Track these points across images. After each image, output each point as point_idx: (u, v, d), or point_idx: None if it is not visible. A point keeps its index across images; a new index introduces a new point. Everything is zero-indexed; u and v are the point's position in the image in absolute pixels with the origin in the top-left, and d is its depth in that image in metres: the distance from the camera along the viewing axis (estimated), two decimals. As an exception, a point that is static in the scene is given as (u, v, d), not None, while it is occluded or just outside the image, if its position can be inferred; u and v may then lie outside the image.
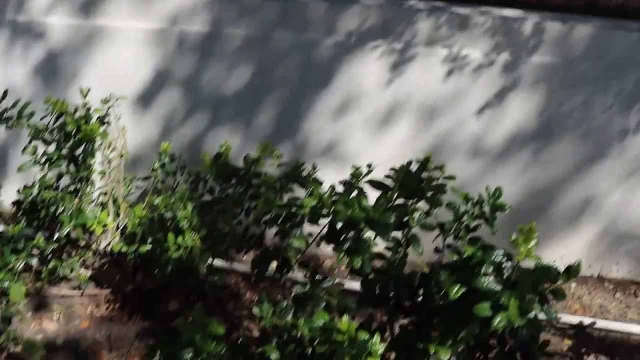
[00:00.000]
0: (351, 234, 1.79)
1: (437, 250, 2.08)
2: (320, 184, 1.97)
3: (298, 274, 2.26)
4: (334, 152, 3.20)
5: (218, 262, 2.92)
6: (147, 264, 2.97)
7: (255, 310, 1.80)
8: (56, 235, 2.68)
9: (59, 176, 2.70)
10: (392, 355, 1.89)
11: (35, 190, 2.78)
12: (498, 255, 1.62)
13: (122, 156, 2.86)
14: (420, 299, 1.89)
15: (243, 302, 3.02)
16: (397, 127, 3.18)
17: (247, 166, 2.22)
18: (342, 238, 1.79)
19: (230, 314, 2.99)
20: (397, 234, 2.01)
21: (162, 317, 2.96)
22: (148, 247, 2.47)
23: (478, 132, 3.18)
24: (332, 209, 1.78)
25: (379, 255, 1.94)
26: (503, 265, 1.58)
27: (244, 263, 3.29)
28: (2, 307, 2.57)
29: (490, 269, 1.57)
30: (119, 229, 2.90)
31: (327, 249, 2.26)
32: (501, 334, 1.85)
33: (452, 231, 2.04)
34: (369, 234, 1.81)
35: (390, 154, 2.90)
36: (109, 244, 2.95)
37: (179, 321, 1.75)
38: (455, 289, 1.58)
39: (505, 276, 1.56)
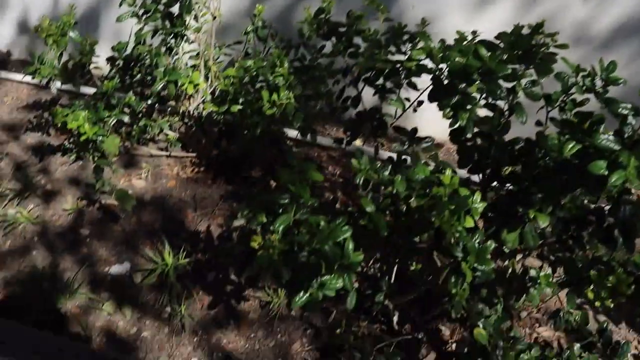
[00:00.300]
0: (460, 86, 1.72)
1: (538, 123, 2.00)
2: (429, 38, 1.88)
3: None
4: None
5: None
6: (233, 131, 2.99)
7: (354, 162, 1.77)
8: (149, 92, 2.70)
9: (155, 32, 2.69)
10: (482, 224, 1.86)
11: (129, 48, 2.79)
12: (624, 108, 1.52)
13: (214, 18, 2.83)
14: (520, 166, 1.83)
15: (325, 175, 3.02)
16: (495, 9, 3.03)
17: (350, 21, 2.14)
18: (448, 92, 1.73)
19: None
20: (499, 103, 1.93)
21: (245, 183, 3.00)
22: (239, 107, 2.47)
23: (583, 18, 3.00)
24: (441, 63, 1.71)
25: (482, 121, 1.87)
26: (628, 121, 1.49)
27: (328, 137, 3.29)
28: (97, 157, 2.65)
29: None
30: (210, 92, 2.91)
31: (422, 116, 2.22)
32: (599, 211, 1.80)
33: (558, 103, 1.94)
34: (475, 93, 1.75)
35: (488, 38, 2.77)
36: (198, 106, 2.97)
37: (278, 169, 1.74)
38: (570, 145, 1.51)
39: (625, 136, 1.47)
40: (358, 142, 3.13)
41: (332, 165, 3.11)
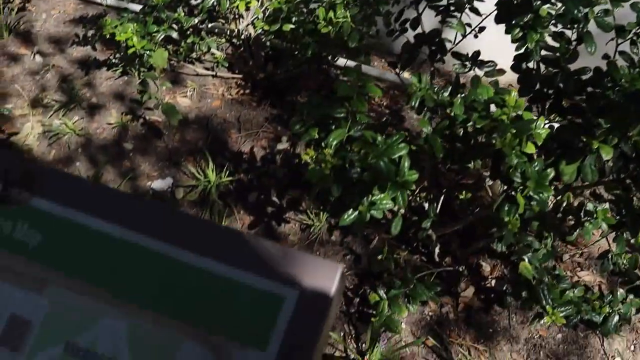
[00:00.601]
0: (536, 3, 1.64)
1: (606, 56, 1.91)
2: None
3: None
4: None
5: (352, 63, 2.86)
6: (281, 54, 2.94)
7: (414, 80, 1.71)
8: (200, 5, 2.65)
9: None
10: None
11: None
12: None
13: None
14: (585, 97, 1.76)
15: (371, 106, 2.97)
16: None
17: None
18: (521, 10, 1.65)
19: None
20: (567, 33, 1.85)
21: (290, 108, 2.96)
22: (292, 26, 2.41)
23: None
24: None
25: (549, 47, 1.79)
26: None
27: (375, 69, 3.21)
28: (143, 72, 2.62)
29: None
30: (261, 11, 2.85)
31: (481, 45, 2.13)
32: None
33: (630, 35, 1.85)
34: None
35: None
36: (247, 26, 2.91)
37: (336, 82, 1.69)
38: (647, 72, 1.44)
39: None
40: (407, 75, 3.06)
41: (380, 97, 3.04)
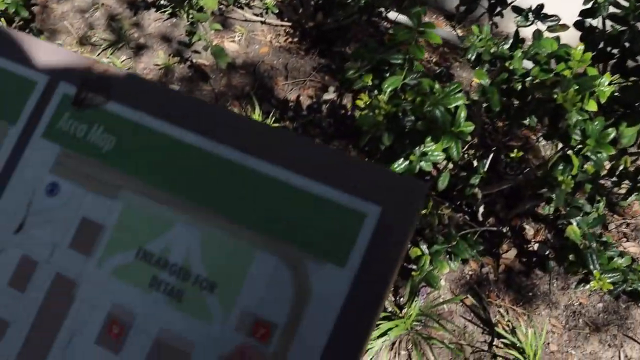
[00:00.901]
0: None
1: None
2: None
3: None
4: None
5: (402, 18, 2.80)
6: (331, 3, 2.88)
7: (475, 29, 1.66)
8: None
9: None
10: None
11: None
12: None
13: None
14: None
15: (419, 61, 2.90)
16: None
17: None
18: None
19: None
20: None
21: (339, 58, 2.92)
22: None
23: None
24: None
25: (616, 4, 1.71)
26: None
27: (427, 23, 3.13)
28: (193, 13, 2.59)
29: None
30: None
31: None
32: None
33: None
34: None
35: None
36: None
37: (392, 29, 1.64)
38: None
39: None
40: (459, 32, 2.98)
41: (429, 53, 2.97)
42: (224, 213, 0.50)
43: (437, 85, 1.50)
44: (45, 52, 0.60)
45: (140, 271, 0.51)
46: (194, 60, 2.91)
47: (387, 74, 1.68)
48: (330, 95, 2.75)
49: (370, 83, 1.71)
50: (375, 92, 1.71)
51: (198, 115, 0.54)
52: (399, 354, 2.11)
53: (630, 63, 1.75)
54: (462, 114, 1.49)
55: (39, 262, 0.53)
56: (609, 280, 1.79)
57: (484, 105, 1.78)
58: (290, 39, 3.03)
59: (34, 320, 0.53)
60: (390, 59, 1.62)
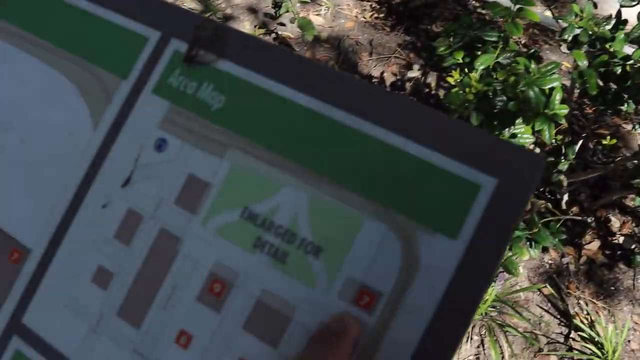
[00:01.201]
0: None
1: None
2: None
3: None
4: None
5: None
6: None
7: (575, 7, 1.59)
8: None
9: None
10: None
11: None
12: None
13: None
14: None
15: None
16: None
17: None
18: None
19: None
20: None
21: (424, 36, 2.86)
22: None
23: None
24: None
25: None
26: None
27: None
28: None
29: None
30: None
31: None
32: None
33: None
34: None
35: None
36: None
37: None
38: None
39: None
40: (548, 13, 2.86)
41: (527, 39, 2.88)
42: (333, 177, 0.49)
43: (532, 65, 1.45)
44: (157, 8, 0.60)
45: (245, 231, 0.51)
46: (279, 33, 2.92)
47: (479, 52, 1.63)
48: (414, 73, 2.70)
49: (460, 60, 1.67)
50: (465, 69, 1.67)
51: (312, 77, 0.53)
52: (471, 339, 2.08)
53: None
54: (558, 96, 1.43)
55: (144, 217, 0.54)
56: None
57: (576, 89, 1.71)
58: (375, 15, 2.99)
59: (137, 273, 0.54)
60: (485, 36, 1.57)
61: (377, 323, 0.46)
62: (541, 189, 2.33)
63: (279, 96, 0.52)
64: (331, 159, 0.49)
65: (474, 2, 2.97)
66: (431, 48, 2.80)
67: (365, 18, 2.98)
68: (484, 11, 2.99)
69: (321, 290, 0.48)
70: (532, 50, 1.85)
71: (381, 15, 2.99)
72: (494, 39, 1.57)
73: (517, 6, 1.51)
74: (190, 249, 0.52)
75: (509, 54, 1.57)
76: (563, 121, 1.43)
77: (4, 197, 0.62)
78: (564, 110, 1.44)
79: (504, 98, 1.50)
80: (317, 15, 2.99)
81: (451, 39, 1.68)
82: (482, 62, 1.54)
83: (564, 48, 2.88)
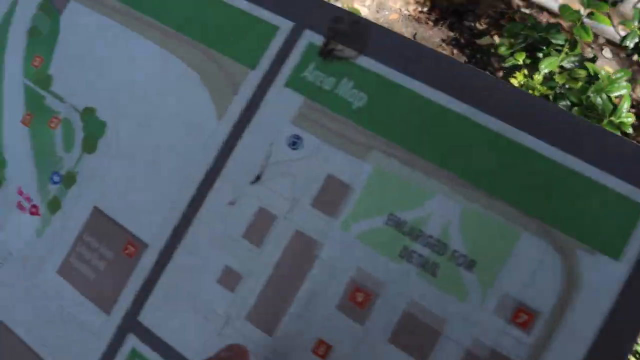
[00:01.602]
0: None
1: None
2: None
3: None
4: None
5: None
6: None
7: (636, 12, 1.55)
8: None
9: None
10: None
11: None
12: None
13: None
14: None
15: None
16: None
17: None
18: None
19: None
20: None
21: (468, 33, 2.83)
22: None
23: None
24: None
25: None
26: None
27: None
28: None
29: None
30: None
31: None
32: None
33: None
34: None
35: None
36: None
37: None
38: None
39: None
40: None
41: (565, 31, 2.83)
42: (487, 187, 0.47)
43: (603, 72, 1.42)
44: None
45: (390, 239, 0.49)
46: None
47: (541, 54, 1.60)
48: (458, 69, 2.67)
49: (521, 62, 1.64)
50: (525, 71, 1.64)
51: (459, 78, 0.51)
52: None
53: None
54: (626, 104, 1.41)
55: (277, 217, 0.52)
56: None
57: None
58: (419, 9, 2.96)
59: (269, 276, 0.52)
60: (552, 38, 1.54)
61: (536, 344, 0.44)
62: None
63: (425, 98, 0.50)
64: (482, 167, 0.47)
65: (518, 1, 2.93)
66: (475, 45, 2.77)
67: (409, 11, 2.95)
68: (527, 10, 2.95)
69: (475, 306, 0.46)
70: (592, 56, 1.82)
71: (425, 9, 2.95)
72: (560, 41, 1.54)
73: (588, 10, 1.48)
74: (330, 254, 0.50)
75: (573, 58, 1.54)
76: (630, 130, 1.41)
77: (118, 187, 0.60)
78: (631, 119, 1.41)
79: (568, 103, 1.48)
80: (363, 5, 2.96)
81: (512, 40, 1.65)
82: (547, 65, 1.51)
83: (606, 52, 2.84)
